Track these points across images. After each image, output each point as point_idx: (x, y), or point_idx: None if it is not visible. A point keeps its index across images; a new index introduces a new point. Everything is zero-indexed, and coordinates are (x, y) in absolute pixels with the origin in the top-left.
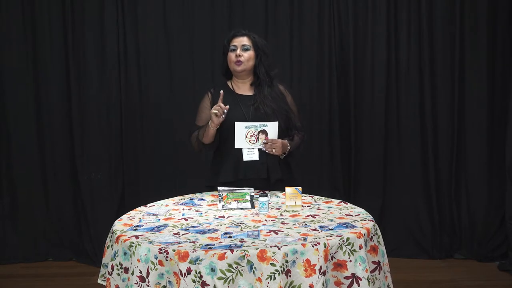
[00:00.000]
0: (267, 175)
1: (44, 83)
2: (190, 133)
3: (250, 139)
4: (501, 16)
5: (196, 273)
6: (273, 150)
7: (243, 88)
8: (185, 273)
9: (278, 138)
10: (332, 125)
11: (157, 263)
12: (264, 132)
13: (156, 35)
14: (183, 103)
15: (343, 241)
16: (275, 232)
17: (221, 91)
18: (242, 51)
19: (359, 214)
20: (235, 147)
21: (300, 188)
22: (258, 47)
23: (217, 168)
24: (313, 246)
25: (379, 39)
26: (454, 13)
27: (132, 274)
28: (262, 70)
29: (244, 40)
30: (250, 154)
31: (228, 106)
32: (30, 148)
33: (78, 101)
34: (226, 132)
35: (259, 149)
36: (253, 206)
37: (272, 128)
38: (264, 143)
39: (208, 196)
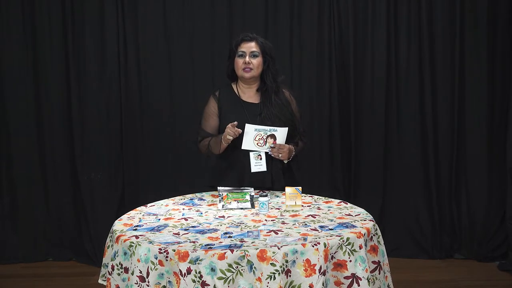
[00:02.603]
0: (271, 184)
1: (44, 83)
2: (199, 139)
3: (258, 142)
4: (501, 16)
5: (196, 273)
6: (280, 155)
7: (249, 93)
8: (185, 273)
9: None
10: (332, 125)
11: (157, 263)
12: (272, 136)
13: (156, 35)
14: (183, 103)
15: (343, 241)
16: (275, 232)
17: (235, 122)
18: (251, 57)
19: (359, 214)
20: (242, 148)
21: (300, 188)
22: (266, 53)
23: (222, 172)
24: (313, 246)
25: (379, 39)
26: (454, 13)
27: (132, 274)
28: (269, 76)
29: (252, 46)
30: (258, 165)
31: (241, 130)
32: (30, 148)
33: (78, 101)
34: (234, 139)
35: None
36: (253, 206)
37: (281, 133)
38: (271, 147)
39: (208, 196)
